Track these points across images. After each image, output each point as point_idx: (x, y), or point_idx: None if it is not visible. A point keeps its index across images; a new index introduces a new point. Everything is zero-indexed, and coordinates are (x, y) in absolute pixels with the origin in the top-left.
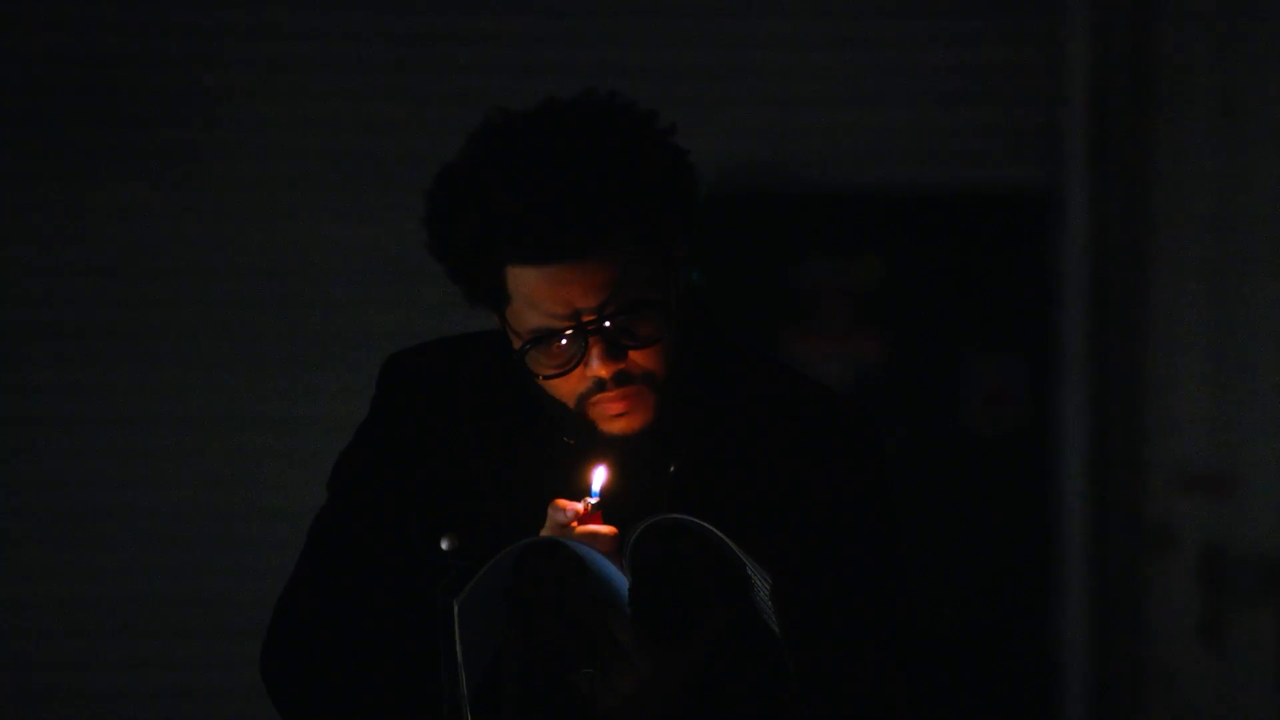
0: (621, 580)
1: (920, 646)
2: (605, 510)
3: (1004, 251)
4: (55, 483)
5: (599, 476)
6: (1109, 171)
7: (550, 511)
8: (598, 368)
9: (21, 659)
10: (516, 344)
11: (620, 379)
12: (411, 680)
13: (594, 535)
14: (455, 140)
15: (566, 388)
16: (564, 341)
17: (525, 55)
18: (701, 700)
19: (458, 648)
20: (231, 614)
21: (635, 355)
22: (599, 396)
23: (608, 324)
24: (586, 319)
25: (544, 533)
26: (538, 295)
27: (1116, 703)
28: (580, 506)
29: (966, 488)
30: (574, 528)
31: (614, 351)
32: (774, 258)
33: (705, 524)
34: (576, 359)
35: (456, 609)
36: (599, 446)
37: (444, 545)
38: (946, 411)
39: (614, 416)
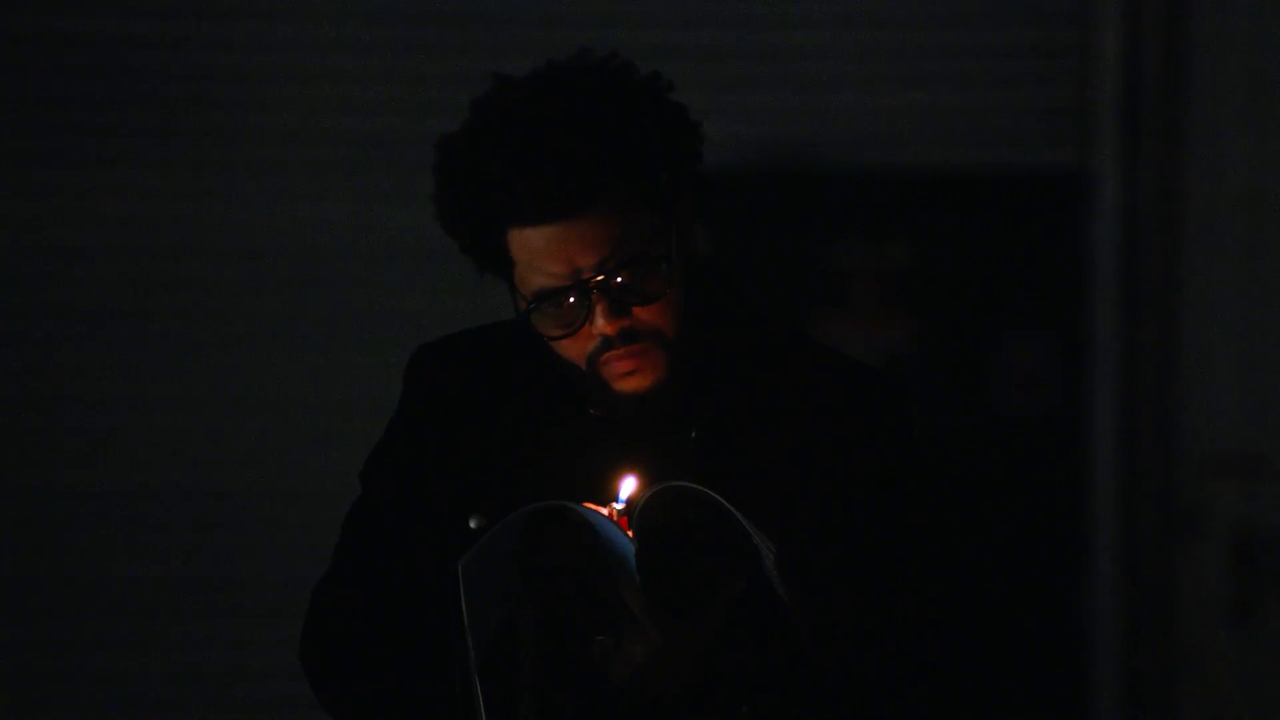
0: (629, 547)
1: (962, 611)
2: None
3: (1035, 233)
4: (80, 464)
5: (627, 485)
6: (1141, 152)
7: None
8: (603, 325)
9: (39, 640)
10: (522, 306)
11: (627, 336)
12: (443, 665)
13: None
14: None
15: (575, 349)
16: (568, 301)
17: (548, 36)
18: (715, 670)
19: (464, 610)
20: (256, 596)
21: (640, 312)
22: (608, 355)
23: (610, 281)
24: (588, 276)
25: None
26: (538, 256)
27: (1148, 685)
28: (605, 513)
29: (997, 470)
30: None
31: (618, 308)
32: (803, 239)
33: (710, 493)
34: (582, 318)
35: (461, 570)
36: (617, 408)
37: (472, 524)
38: (977, 394)
39: (624, 375)
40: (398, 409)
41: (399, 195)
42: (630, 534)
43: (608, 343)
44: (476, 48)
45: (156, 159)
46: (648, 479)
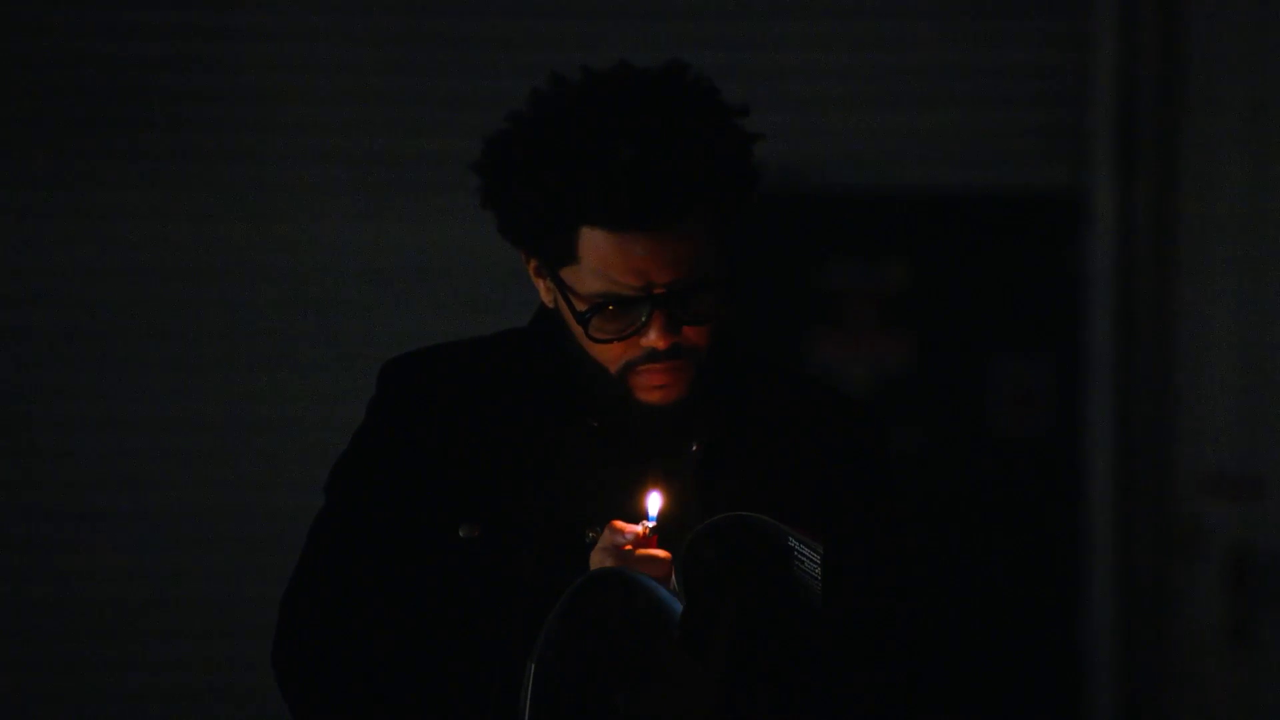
0: (676, 605)
1: (927, 635)
2: (661, 533)
3: (1031, 253)
4: (65, 484)
5: (655, 502)
6: (1136, 173)
7: (606, 533)
8: (655, 338)
9: (22, 661)
10: (580, 306)
11: (672, 352)
12: (422, 670)
13: (651, 559)
14: (463, 143)
15: (614, 353)
16: (628, 309)
17: (541, 58)
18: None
19: (527, 706)
20: (241, 615)
21: (688, 330)
22: (646, 366)
23: (676, 297)
24: (659, 292)
25: (597, 551)
26: (612, 261)
27: (1143, 705)
28: (639, 529)
29: (993, 490)
30: (629, 550)
31: (674, 325)
32: (799, 259)
33: (752, 515)
34: (637, 327)
35: (532, 671)
36: (630, 417)
37: (461, 534)
38: (973, 414)
39: (655, 387)
40: (368, 420)
41: (402, 214)
42: (669, 582)
43: (652, 355)
44: (475, 69)
45: (148, 179)
46: (673, 494)
